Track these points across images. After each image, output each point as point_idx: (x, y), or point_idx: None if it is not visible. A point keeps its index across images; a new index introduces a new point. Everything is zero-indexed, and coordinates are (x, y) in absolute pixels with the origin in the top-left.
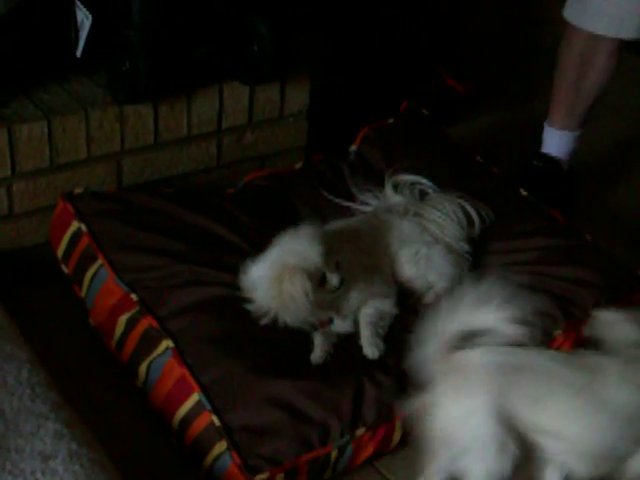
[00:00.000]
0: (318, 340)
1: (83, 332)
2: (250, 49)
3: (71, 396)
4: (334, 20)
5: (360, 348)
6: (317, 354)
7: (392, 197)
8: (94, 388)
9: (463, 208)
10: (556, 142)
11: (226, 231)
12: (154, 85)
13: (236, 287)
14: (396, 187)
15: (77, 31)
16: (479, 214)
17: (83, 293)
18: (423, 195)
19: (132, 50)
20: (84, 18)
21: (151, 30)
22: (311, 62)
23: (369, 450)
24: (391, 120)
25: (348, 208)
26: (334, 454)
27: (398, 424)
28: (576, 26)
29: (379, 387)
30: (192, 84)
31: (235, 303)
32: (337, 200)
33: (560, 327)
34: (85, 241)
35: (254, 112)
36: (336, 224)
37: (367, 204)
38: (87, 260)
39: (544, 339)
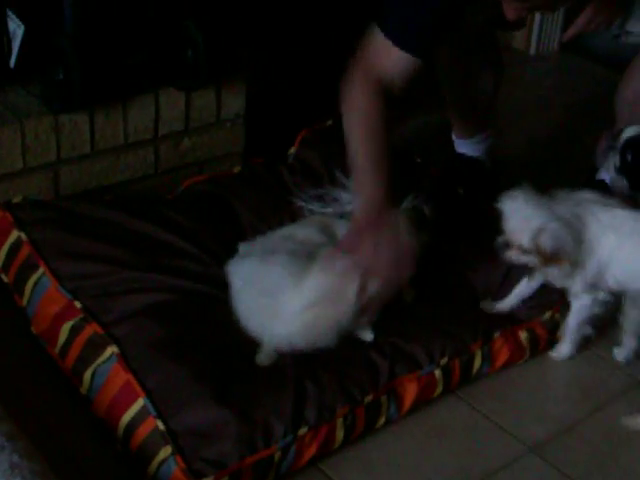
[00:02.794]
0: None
1: (23, 343)
2: (185, 55)
3: (12, 408)
4: (270, 23)
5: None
6: (264, 355)
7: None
8: (35, 399)
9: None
10: (467, 148)
11: (168, 236)
12: (89, 94)
13: (180, 291)
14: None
15: (10, 41)
16: (428, 220)
17: (24, 302)
18: None
19: (66, 59)
20: (16, 28)
21: (84, 38)
22: (247, 66)
23: (312, 450)
24: (330, 122)
25: (289, 210)
26: (277, 455)
27: (340, 422)
28: None
29: (320, 386)
30: (127, 92)
31: (179, 307)
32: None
33: (499, 329)
34: (26, 250)
35: (191, 118)
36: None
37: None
38: (28, 269)
39: (485, 340)
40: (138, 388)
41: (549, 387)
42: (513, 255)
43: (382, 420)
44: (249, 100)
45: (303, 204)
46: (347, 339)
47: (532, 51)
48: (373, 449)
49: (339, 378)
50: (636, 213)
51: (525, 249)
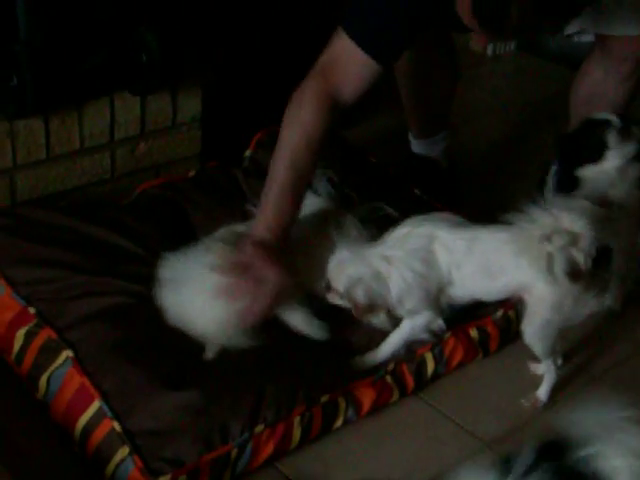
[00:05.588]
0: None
1: None
2: (139, 60)
3: None
4: (225, 26)
5: (258, 347)
6: (209, 350)
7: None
8: None
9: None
10: (424, 148)
11: (121, 240)
12: (43, 99)
13: (133, 294)
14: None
15: None
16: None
17: None
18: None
19: (19, 65)
20: None
21: (38, 44)
22: (203, 70)
23: (269, 448)
24: None
25: (242, 214)
26: (234, 453)
27: (297, 420)
28: None
29: (278, 385)
30: (82, 96)
31: (133, 310)
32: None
33: (449, 329)
34: None
35: (146, 122)
36: None
37: None
38: None
39: (437, 342)
40: (93, 391)
41: (505, 384)
42: (331, 297)
43: (340, 421)
44: (205, 103)
45: (253, 209)
46: (305, 338)
47: (489, 52)
48: (330, 447)
49: (297, 377)
50: (471, 232)
51: (341, 294)
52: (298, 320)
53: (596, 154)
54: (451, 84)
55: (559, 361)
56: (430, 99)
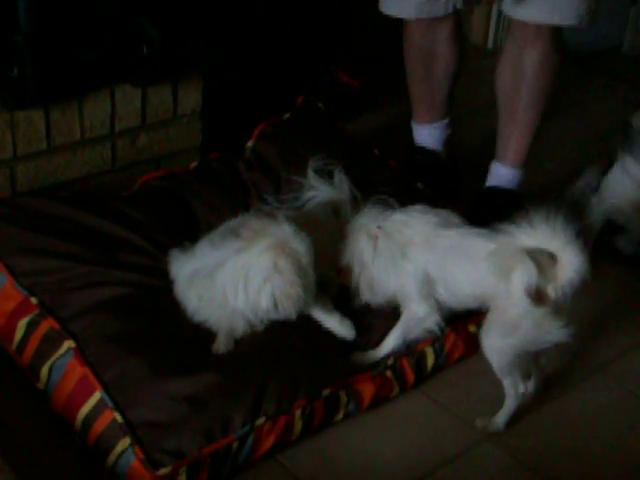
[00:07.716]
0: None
1: None
2: (139, 51)
3: None
4: (226, 18)
5: (260, 340)
6: (221, 343)
7: (319, 186)
8: None
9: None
10: (426, 136)
11: (123, 231)
12: (44, 90)
13: (135, 285)
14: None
15: None
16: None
17: None
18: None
19: (20, 56)
20: None
21: (39, 35)
22: (203, 61)
23: (270, 441)
24: (287, 115)
25: (245, 205)
26: (235, 445)
27: (298, 414)
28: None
29: (280, 378)
30: (83, 88)
31: (135, 301)
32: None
33: (448, 324)
34: None
35: (147, 114)
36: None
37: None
38: None
39: (438, 337)
40: (95, 381)
41: None
42: (341, 278)
43: (341, 414)
44: (206, 95)
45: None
46: (307, 333)
47: (490, 45)
48: (332, 440)
49: (299, 371)
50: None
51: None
52: (331, 321)
53: None
54: (457, 60)
55: (521, 388)
56: (437, 74)
